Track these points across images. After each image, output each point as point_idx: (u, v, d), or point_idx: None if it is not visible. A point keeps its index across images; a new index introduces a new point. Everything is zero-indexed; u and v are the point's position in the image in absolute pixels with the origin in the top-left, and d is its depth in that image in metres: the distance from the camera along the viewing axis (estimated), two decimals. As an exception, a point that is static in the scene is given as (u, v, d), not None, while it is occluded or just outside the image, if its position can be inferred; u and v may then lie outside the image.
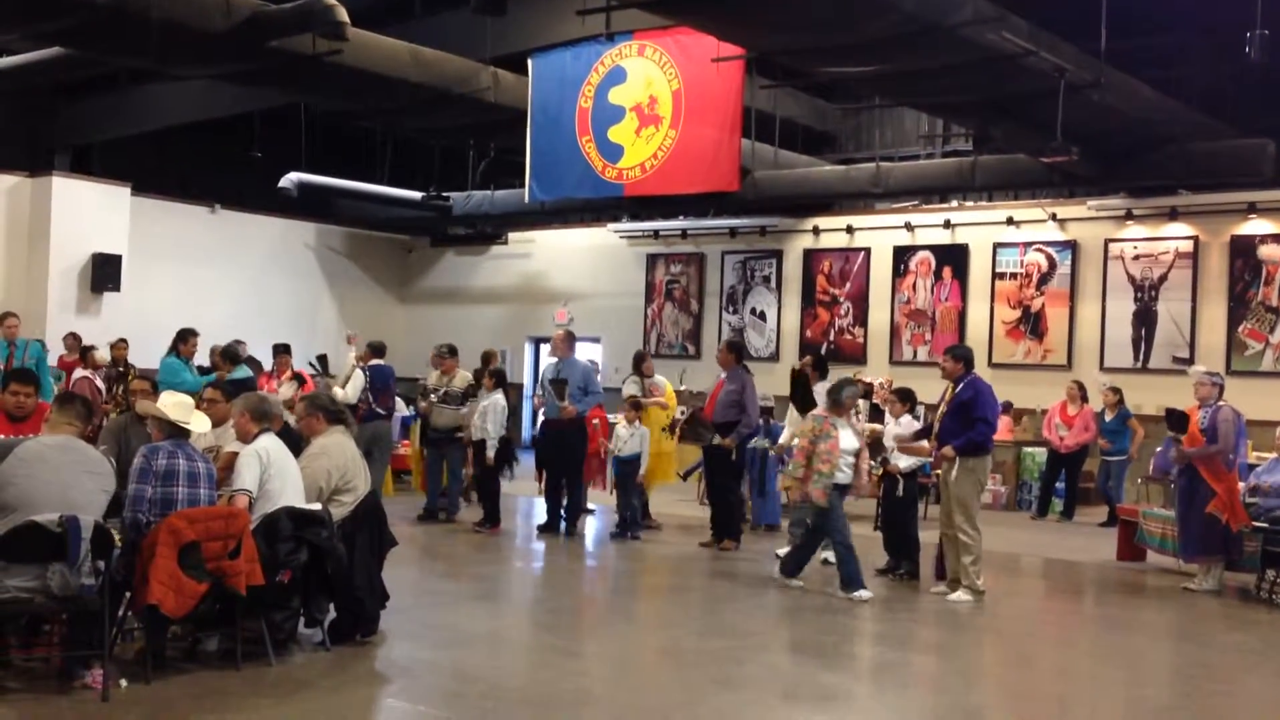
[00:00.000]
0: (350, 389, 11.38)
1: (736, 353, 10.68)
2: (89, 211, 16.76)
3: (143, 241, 17.28)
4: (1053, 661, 7.23)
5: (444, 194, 18.23)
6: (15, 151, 16.89)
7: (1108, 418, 12.94)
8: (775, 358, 17.19)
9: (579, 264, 19.74)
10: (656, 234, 18.64)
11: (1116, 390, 13.02)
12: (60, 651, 5.59)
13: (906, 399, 9.41)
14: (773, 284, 17.57)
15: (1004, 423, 13.33)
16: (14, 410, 6.76)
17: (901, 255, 16.31)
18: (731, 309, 17.97)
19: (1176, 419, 9.17)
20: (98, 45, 11.40)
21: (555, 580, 9.52)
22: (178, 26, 10.27)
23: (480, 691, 5.84)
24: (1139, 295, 14.47)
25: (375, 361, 11.77)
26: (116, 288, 16.79)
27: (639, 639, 7.24)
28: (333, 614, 6.45)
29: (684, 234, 18.38)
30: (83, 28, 10.31)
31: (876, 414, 13.87)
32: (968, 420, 8.26)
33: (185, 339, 11.24)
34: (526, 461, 12.14)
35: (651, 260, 18.89)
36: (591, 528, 11.42)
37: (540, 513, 11.34)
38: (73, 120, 17.44)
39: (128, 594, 5.68)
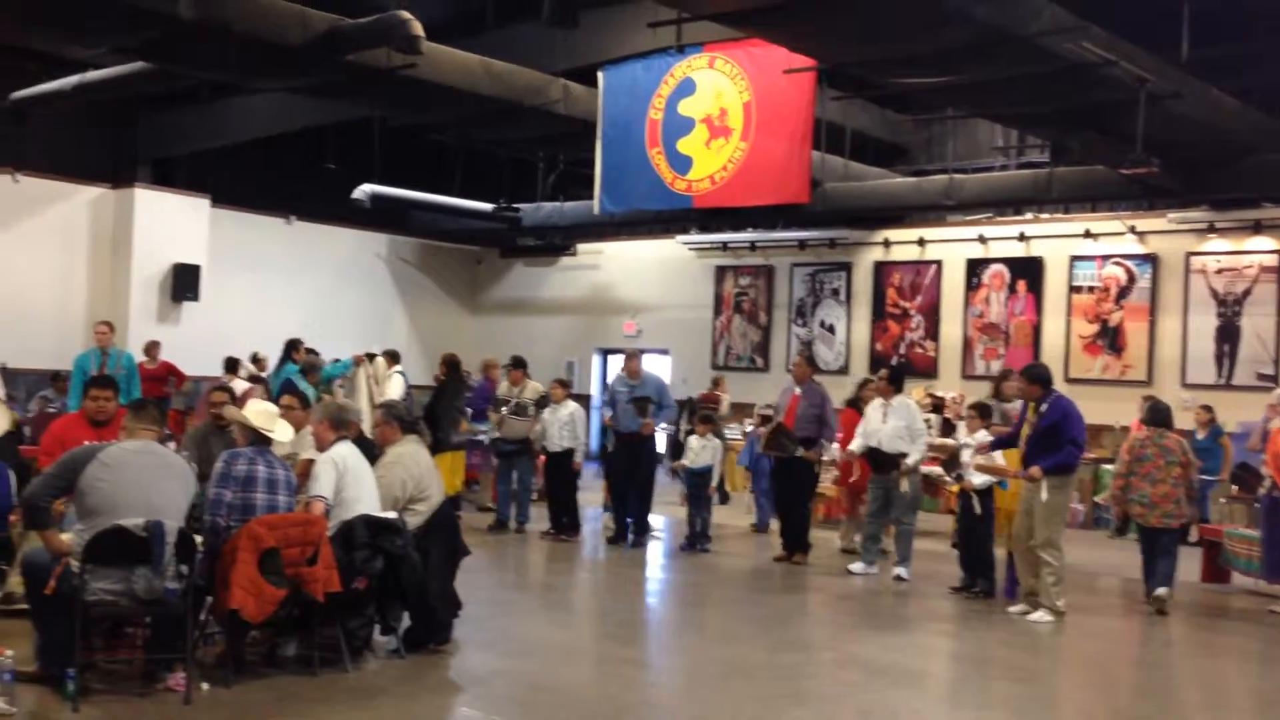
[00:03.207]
0: (393, 393, 11.71)
1: (813, 366, 10.65)
2: (170, 222, 17.13)
3: (220, 252, 17.61)
4: (1134, 684, 7.08)
5: (514, 205, 18.34)
6: (100, 164, 17.30)
7: (1199, 436, 12.61)
8: (845, 371, 17.05)
9: (648, 276, 19.76)
10: (725, 246, 18.60)
11: (1208, 409, 12.71)
12: (144, 654, 5.69)
13: (985, 414, 9.26)
14: (842, 297, 17.44)
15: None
16: (95, 415, 6.91)
17: (974, 268, 16.10)
18: (800, 322, 17.87)
19: (1245, 480, 8.98)
20: (180, 59, 11.63)
21: (624, 591, 9.51)
22: (256, 40, 10.44)
23: (552, 701, 5.84)
24: (1222, 310, 14.14)
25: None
26: (195, 297, 17.12)
27: (709, 651, 7.20)
28: (407, 622, 6.50)
29: (753, 246, 18.32)
30: (165, 42, 10.53)
31: (948, 428, 13.72)
32: (1056, 441, 8.12)
33: (295, 347, 12.21)
34: (590, 470, 12.17)
35: (720, 272, 18.85)
36: (659, 540, 11.39)
37: (608, 524, 11.34)
38: (155, 133, 17.83)
39: (209, 598, 5.77)
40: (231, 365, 14.22)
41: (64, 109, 14.95)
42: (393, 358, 13.63)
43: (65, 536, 5.43)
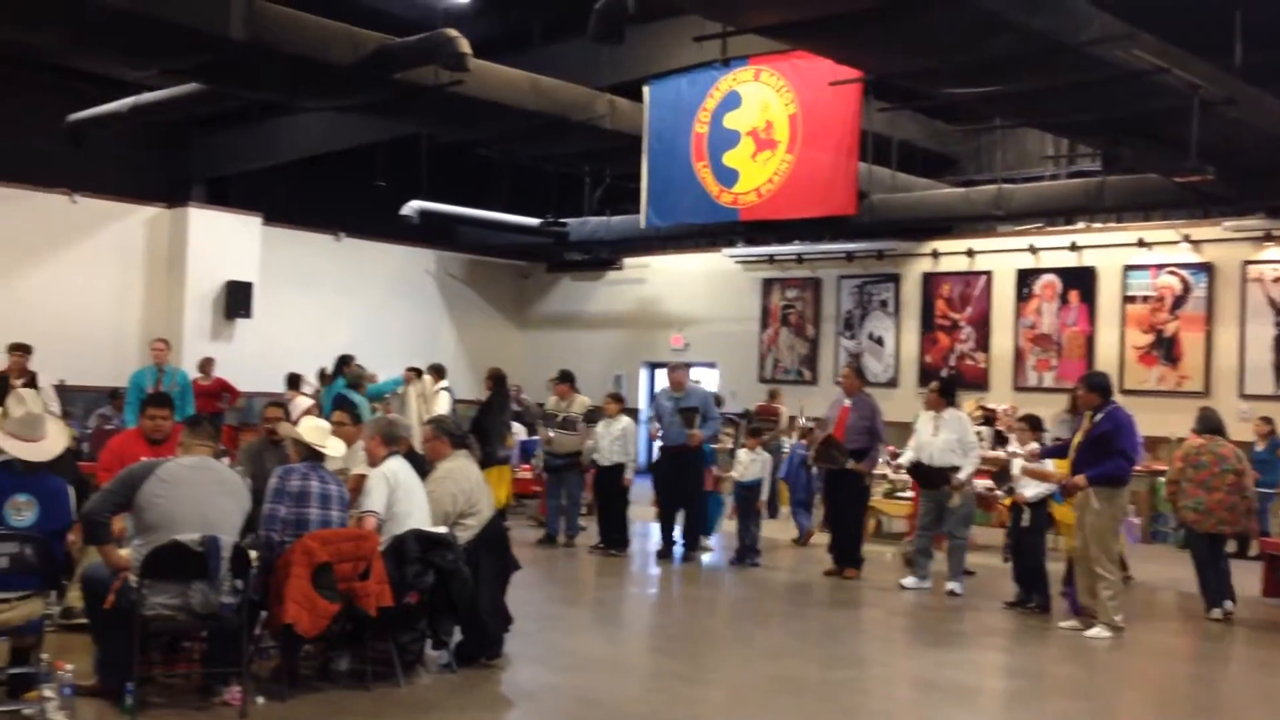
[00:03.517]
0: (441, 409, 11.81)
1: (862, 378, 10.59)
2: (223, 240, 17.39)
3: (272, 269, 17.85)
4: (1192, 701, 6.94)
5: (561, 220, 18.43)
6: (155, 184, 17.60)
7: (1258, 448, 12.39)
8: (894, 383, 16.94)
9: (694, 289, 19.76)
10: (772, 259, 18.56)
11: (1268, 420, 12.50)
12: (201, 668, 5.76)
13: (1036, 426, 9.15)
14: (890, 308, 17.34)
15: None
16: (151, 434, 7.01)
17: (1025, 278, 15.95)
18: (848, 334, 17.78)
19: None
20: (231, 80, 11.81)
21: (674, 606, 9.49)
22: (307, 60, 10.58)
23: (602, 716, 5.85)
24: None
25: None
26: (248, 314, 17.35)
27: (759, 667, 7.16)
28: (458, 636, 6.53)
29: (799, 258, 18.26)
30: (218, 63, 10.70)
31: (1000, 440, 13.57)
32: (1106, 452, 8.01)
33: (347, 362, 12.36)
34: (640, 484, 12.17)
35: (767, 285, 18.81)
36: (709, 554, 11.36)
37: (658, 538, 11.32)
38: (207, 153, 18.12)
39: (264, 613, 5.83)
40: (294, 381, 14.38)
41: (120, 131, 15.23)
42: (438, 373, 13.77)
43: (123, 552, 5.51)
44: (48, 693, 5.10)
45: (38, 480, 5.16)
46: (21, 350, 10.39)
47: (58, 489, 5.24)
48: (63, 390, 13.63)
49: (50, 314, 15.64)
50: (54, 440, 5.30)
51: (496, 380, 12.66)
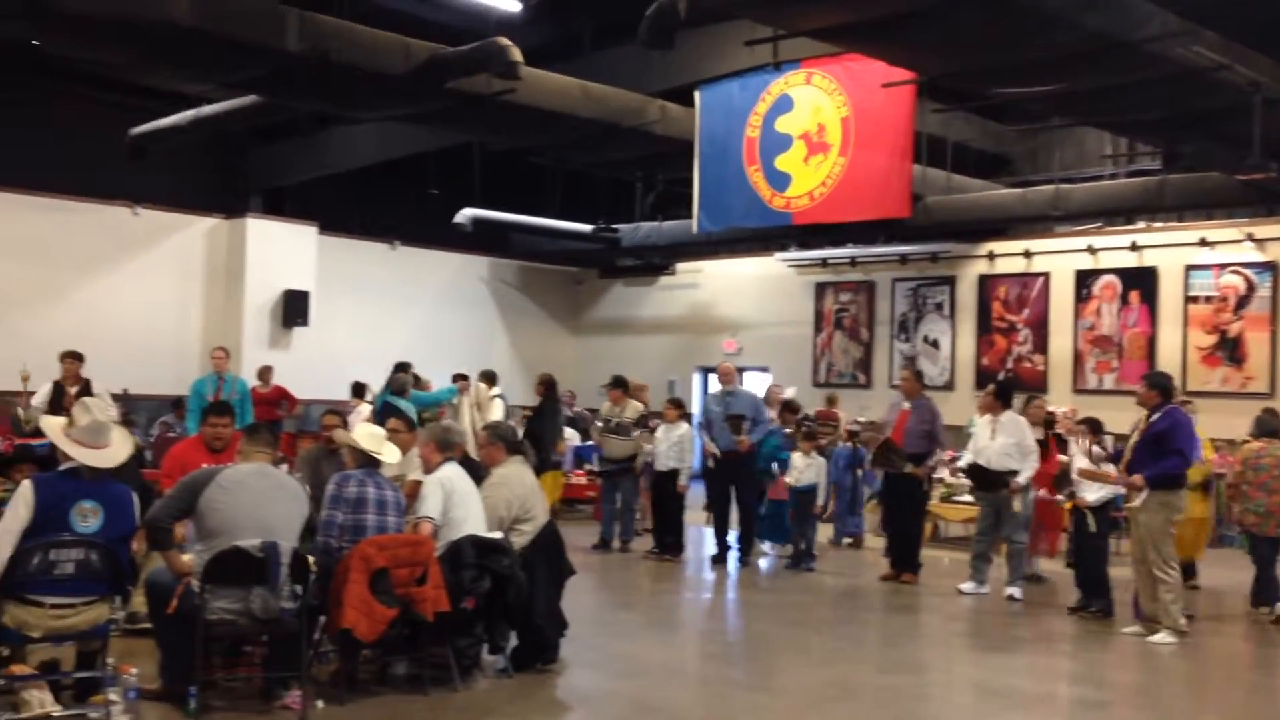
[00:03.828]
0: (496, 416, 11.88)
1: (922, 381, 10.51)
2: (280, 250, 17.62)
3: (328, 278, 18.05)
4: (1260, 710, 6.79)
5: (613, 226, 18.47)
6: (214, 195, 17.88)
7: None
8: (950, 386, 16.77)
9: (747, 293, 19.70)
10: (825, 262, 18.46)
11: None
12: (262, 672, 5.83)
13: (1096, 429, 9.01)
14: (946, 311, 17.17)
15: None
16: (212, 441, 7.11)
17: (1084, 279, 15.73)
18: (903, 337, 17.64)
19: None
20: (288, 91, 11.97)
21: (729, 611, 9.46)
22: (361, 71, 10.70)
23: (660, 722, 5.83)
24: (1347, 318, 13.60)
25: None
26: (305, 322, 17.56)
27: (817, 673, 7.11)
28: (514, 641, 6.55)
29: (853, 262, 18.14)
30: (274, 75, 10.85)
31: (1060, 444, 13.37)
32: (1161, 451, 7.88)
33: (404, 369, 12.43)
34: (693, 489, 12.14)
35: (820, 289, 18.71)
36: (762, 559, 11.31)
37: (711, 543, 11.29)
38: (265, 164, 18.37)
39: (323, 618, 5.89)
40: (358, 390, 14.51)
41: (179, 143, 15.48)
42: (489, 379, 13.79)
43: (186, 557, 5.60)
44: (113, 696, 5.19)
45: (103, 487, 5.24)
46: (74, 358, 10.59)
47: (122, 495, 5.32)
48: (126, 399, 13.90)
49: (114, 323, 15.95)
50: (118, 447, 5.39)
51: (548, 386, 12.71)
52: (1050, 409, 13.21)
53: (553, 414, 12.77)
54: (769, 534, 11.43)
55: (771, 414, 12.05)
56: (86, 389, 10.19)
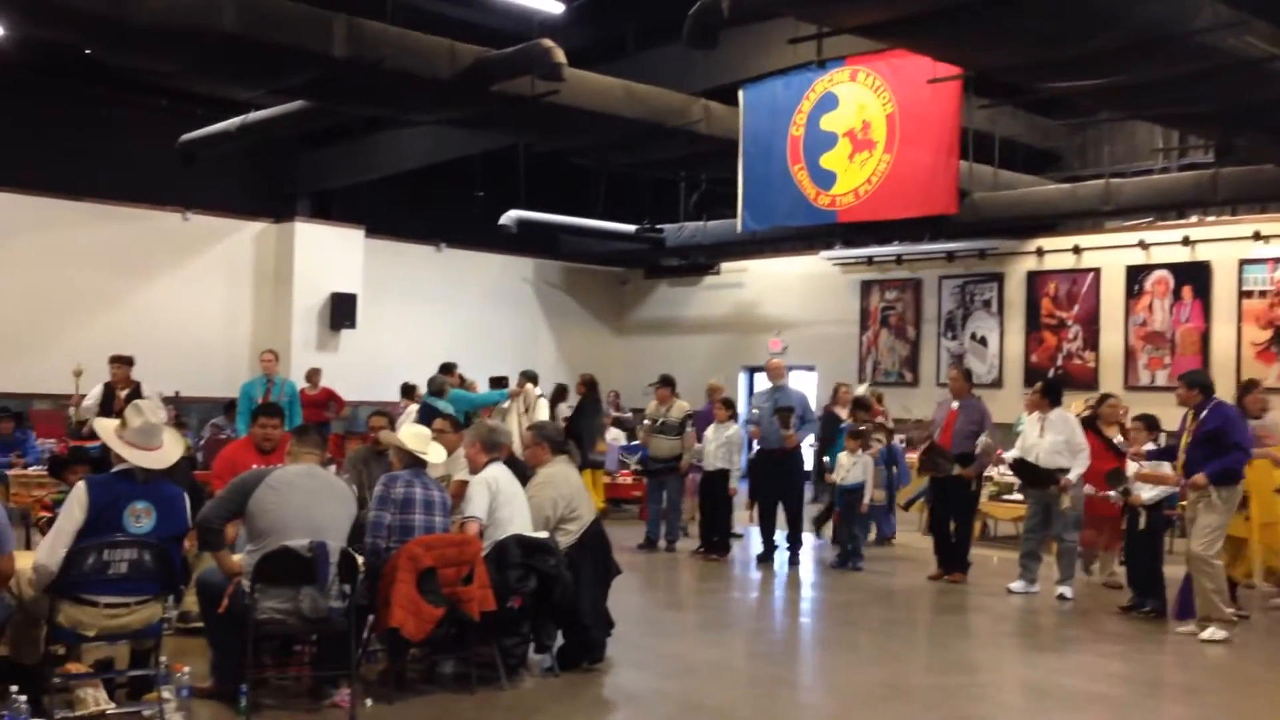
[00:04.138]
0: (541, 417, 11.96)
1: (970, 380, 10.41)
2: (328, 254, 17.80)
3: (375, 281, 18.21)
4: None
5: (657, 226, 18.47)
6: (262, 199, 18.10)
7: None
8: (999, 384, 16.61)
9: (792, 292, 19.63)
10: (870, 260, 18.34)
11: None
12: (311, 671, 5.89)
13: (1152, 427, 8.87)
14: (994, 308, 17.00)
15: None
16: (262, 443, 7.19)
17: (1135, 275, 15.52)
18: (950, 335, 17.48)
19: None
20: (336, 96, 12.09)
21: (776, 610, 9.42)
22: (408, 75, 10.79)
23: (707, 722, 5.82)
24: (1406, 312, 13.31)
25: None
26: (352, 325, 17.72)
27: (865, 672, 7.06)
28: (560, 640, 6.57)
29: (899, 260, 18.02)
30: (322, 81, 10.96)
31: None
32: (1219, 448, 7.76)
33: (449, 371, 12.50)
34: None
35: (866, 287, 18.60)
36: (808, 558, 11.25)
37: (757, 542, 11.25)
38: (312, 168, 18.56)
39: (371, 617, 5.93)
40: (407, 391, 14.62)
41: (228, 149, 15.69)
42: (532, 379, 13.81)
43: (236, 557, 5.66)
44: (166, 694, 5.27)
45: (155, 488, 5.31)
46: (123, 362, 10.74)
47: (174, 496, 5.39)
48: (177, 401, 14.10)
49: (166, 327, 16.18)
50: (170, 449, 5.46)
51: (589, 385, 12.75)
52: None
53: (593, 413, 12.80)
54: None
55: (843, 413, 11.95)
56: (136, 392, 10.34)
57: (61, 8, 9.23)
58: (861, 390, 14.19)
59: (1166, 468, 8.49)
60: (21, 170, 15.52)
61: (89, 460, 6.79)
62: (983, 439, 9.94)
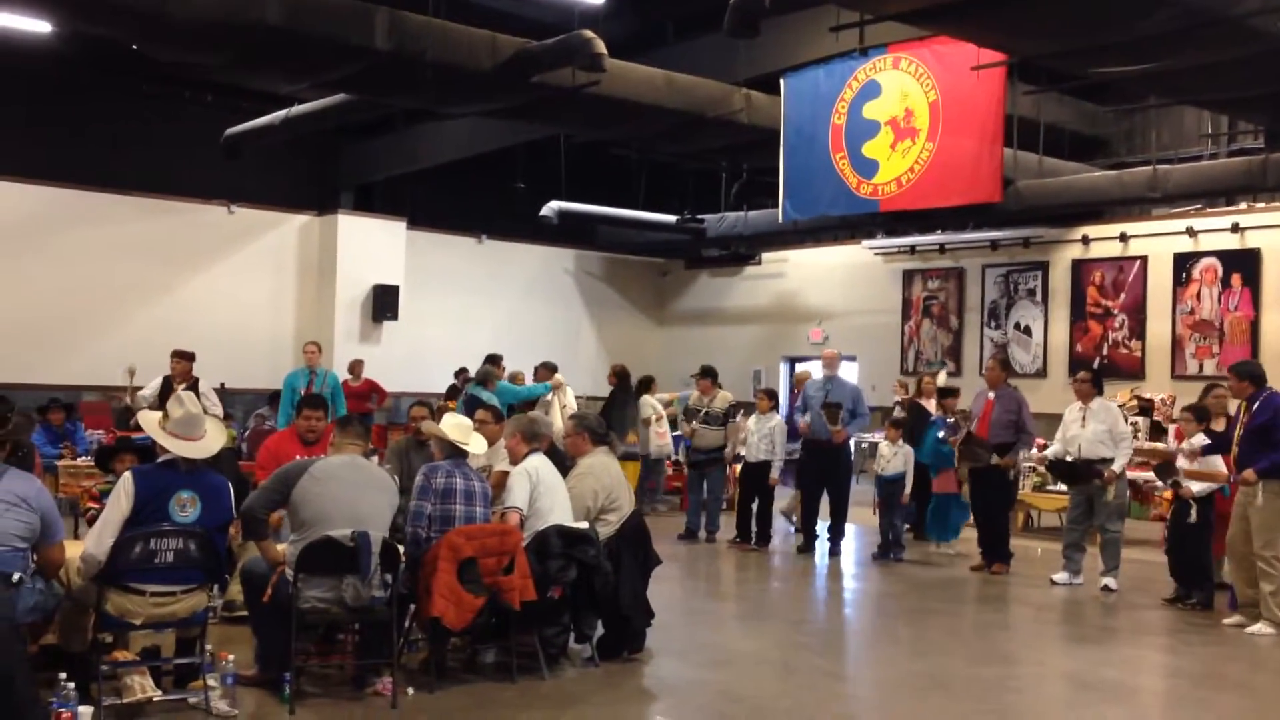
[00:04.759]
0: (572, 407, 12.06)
1: (1008, 370, 10.29)
2: (370, 246, 17.93)
3: (416, 272, 18.31)
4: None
5: (698, 216, 18.43)
6: (306, 192, 18.24)
7: None
8: (1043, 374, 16.45)
9: (833, 282, 19.52)
10: (913, 249, 18.21)
11: None
12: (353, 659, 5.95)
13: (1201, 417, 8.73)
14: (1038, 297, 16.83)
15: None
16: (305, 434, 7.26)
17: (1183, 263, 15.29)
18: (994, 324, 17.33)
19: None
20: (378, 89, 12.16)
21: (817, 601, 9.40)
22: (449, 67, 10.82)
23: (747, 712, 5.81)
24: None
25: None
26: (395, 316, 17.84)
27: (906, 664, 7.03)
28: (601, 630, 6.59)
29: (941, 249, 17.87)
30: (365, 74, 11.02)
31: (1158, 431, 13.05)
32: (1271, 441, 7.63)
33: (496, 362, 12.35)
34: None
35: (908, 276, 18.46)
36: (850, 549, 11.21)
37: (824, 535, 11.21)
38: (355, 161, 18.68)
39: (412, 606, 5.98)
40: (452, 393, 14.67)
41: (272, 142, 15.83)
42: (549, 369, 13.76)
43: (280, 547, 5.72)
44: (211, 682, 5.34)
45: (200, 477, 5.38)
46: (185, 357, 10.87)
47: (219, 486, 5.45)
48: (223, 393, 14.24)
49: (211, 320, 16.37)
50: (212, 439, 5.52)
51: (620, 376, 12.77)
52: (1147, 396, 12.92)
53: (623, 404, 12.81)
54: (935, 531, 11.10)
55: (930, 405, 11.71)
56: (194, 387, 10.45)
57: (108, 4, 9.36)
58: (943, 379, 13.72)
59: (1218, 461, 8.37)
60: (68, 165, 15.75)
61: (135, 449, 6.88)
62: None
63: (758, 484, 11.09)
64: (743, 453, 11.39)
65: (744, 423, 11.63)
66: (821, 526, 11.08)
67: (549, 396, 13.27)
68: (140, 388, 10.97)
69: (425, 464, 6.38)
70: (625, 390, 12.93)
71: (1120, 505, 9.36)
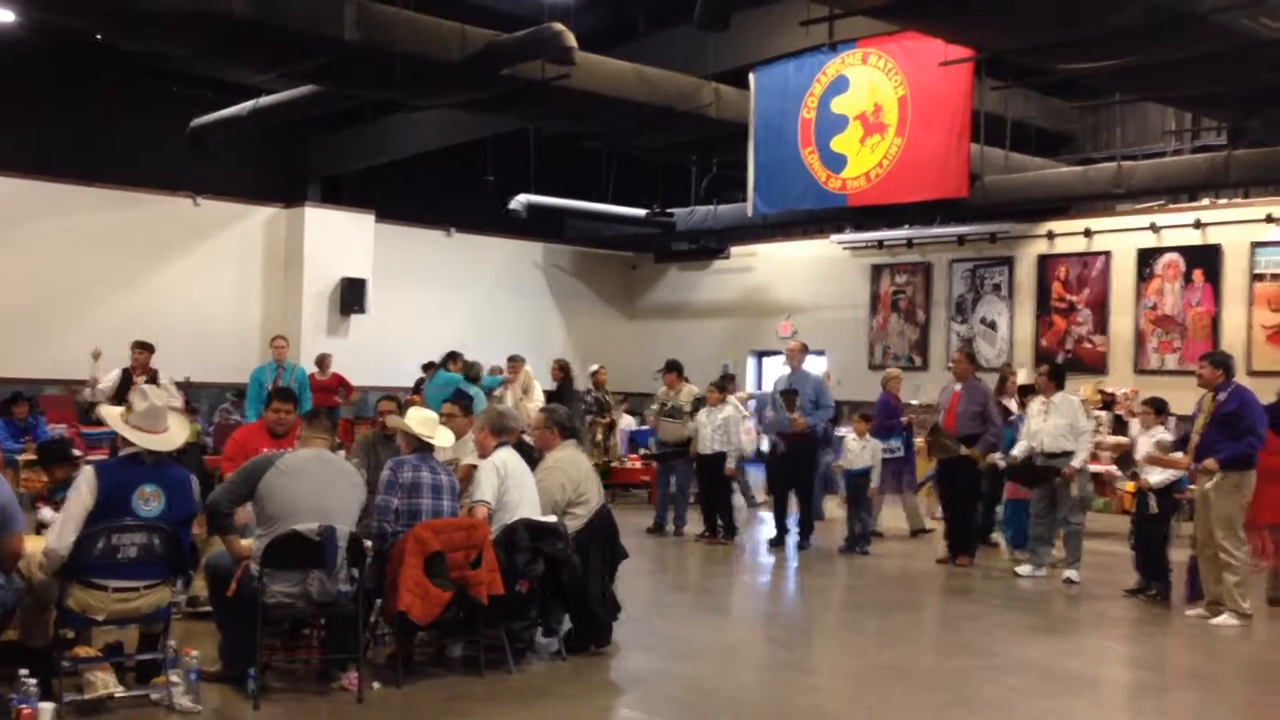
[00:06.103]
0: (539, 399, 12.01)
1: (974, 362, 10.36)
2: (338, 238, 17.81)
3: (385, 265, 18.21)
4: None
5: (667, 210, 18.43)
6: (273, 184, 18.11)
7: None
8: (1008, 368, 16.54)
9: (802, 276, 19.58)
10: (881, 244, 18.29)
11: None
12: (319, 654, 5.92)
13: (1160, 410, 8.84)
14: (1004, 292, 16.95)
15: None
16: (274, 427, 7.21)
17: (1146, 258, 15.44)
18: (960, 319, 17.44)
19: None
20: (347, 81, 12.07)
21: (785, 594, 9.44)
22: (418, 59, 10.77)
23: (714, 705, 5.83)
24: None
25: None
26: (362, 309, 17.75)
27: (873, 656, 7.08)
28: (568, 624, 6.58)
29: (909, 243, 17.96)
30: (334, 65, 10.94)
31: (1120, 425, 13.17)
32: (1234, 432, 7.73)
33: (455, 358, 12.37)
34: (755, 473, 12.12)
35: (876, 271, 18.55)
36: (821, 542, 11.25)
37: (770, 526, 11.26)
38: (323, 153, 18.56)
39: (378, 600, 5.96)
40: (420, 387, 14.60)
41: (239, 134, 15.69)
42: (520, 361, 13.74)
43: (245, 541, 5.68)
44: (174, 678, 5.30)
45: (164, 471, 5.33)
46: (144, 348, 10.77)
47: (183, 479, 5.41)
48: (187, 386, 14.12)
49: (176, 312, 16.22)
50: (176, 432, 5.48)
51: (564, 370, 12.80)
52: (1110, 390, 13.01)
53: (567, 399, 12.79)
54: (1016, 539, 10.30)
55: (1010, 403, 11.16)
56: (153, 379, 10.37)
57: (71, -8, 9.25)
58: (1024, 375, 13.20)
59: (1179, 454, 8.46)
60: (32, 155, 15.56)
61: (71, 460, 6.82)
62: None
63: (712, 476, 11.10)
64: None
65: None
66: (791, 520, 11.12)
67: (499, 391, 13.22)
68: (99, 379, 10.88)
69: (392, 458, 6.36)
70: (568, 384, 12.96)
71: (1083, 499, 9.45)
